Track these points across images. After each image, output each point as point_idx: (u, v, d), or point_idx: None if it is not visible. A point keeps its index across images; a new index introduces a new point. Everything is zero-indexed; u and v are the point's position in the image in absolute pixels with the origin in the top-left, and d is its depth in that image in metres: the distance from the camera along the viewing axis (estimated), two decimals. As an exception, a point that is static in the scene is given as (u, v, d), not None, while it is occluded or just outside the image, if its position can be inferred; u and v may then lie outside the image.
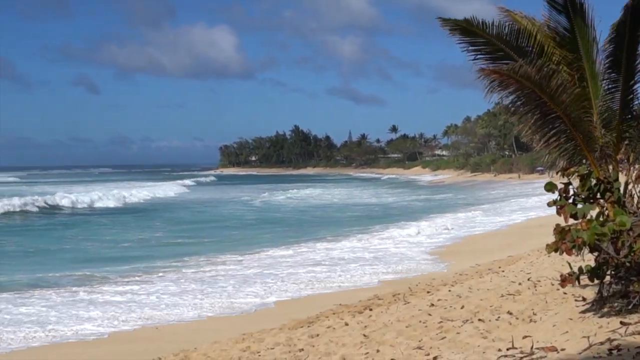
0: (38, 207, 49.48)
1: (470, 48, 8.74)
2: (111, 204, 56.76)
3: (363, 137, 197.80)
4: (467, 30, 8.59)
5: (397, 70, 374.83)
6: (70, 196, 55.84)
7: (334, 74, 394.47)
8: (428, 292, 13.85)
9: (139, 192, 68.42)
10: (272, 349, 10.21)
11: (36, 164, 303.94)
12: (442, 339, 8.40)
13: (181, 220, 41.57)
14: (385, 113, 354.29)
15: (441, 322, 9.43)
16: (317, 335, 10.67)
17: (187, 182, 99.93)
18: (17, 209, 47.29)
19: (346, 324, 11.18)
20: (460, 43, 8.70)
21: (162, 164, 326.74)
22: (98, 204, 55.59)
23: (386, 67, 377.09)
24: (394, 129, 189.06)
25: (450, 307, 10.68)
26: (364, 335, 9.70)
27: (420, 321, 9.92)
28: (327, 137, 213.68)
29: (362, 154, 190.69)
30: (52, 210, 50.11)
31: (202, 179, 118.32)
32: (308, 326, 11.82)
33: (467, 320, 9.11)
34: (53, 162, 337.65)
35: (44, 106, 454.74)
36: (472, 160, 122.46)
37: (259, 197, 65.85)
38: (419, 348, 8.18)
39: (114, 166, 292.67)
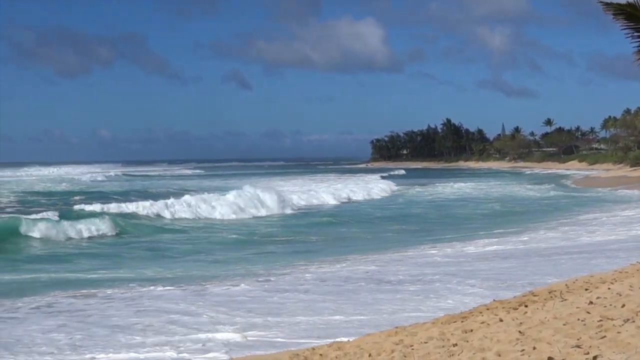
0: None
1: (635, 34, 8.40)
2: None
3: (516, 130, 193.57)
4: (632, 15, 8.24)
5: (548, 61, 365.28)
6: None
7: (483, 65, 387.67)
8: (586, 289, 13.44)
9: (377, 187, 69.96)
10: (426, 343, 10.18)
11: (195, 157, 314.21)
12: (602, 338, 8.14)
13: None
14: (538, 105, 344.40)
15: (600, 320, 9.13)
16: (471, 330, 10.56)
17: (379, 176, 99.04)
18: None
19: (500, 320, 11.00)
20: (624, 29, 8.36)
21: (314, 157, 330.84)
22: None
23: (537, 58, 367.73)
24: (548, 122, 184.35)
25: (610, 305, 10.33)
26: (520, 332, 9.52)
27: (578, 319, 9.65)
28: (480, 131, 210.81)
29: (515, 147, 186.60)
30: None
31: (393, 173, 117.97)
32: (461, 321, 11.72)
33: (628, 320, 8.79)
34: (211, 155, 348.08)
35: (199, 101, 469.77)
36: (631, 154, 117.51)
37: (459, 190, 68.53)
38: (578, 347, 7.97)
39: (284, 159, 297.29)
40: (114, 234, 32.86)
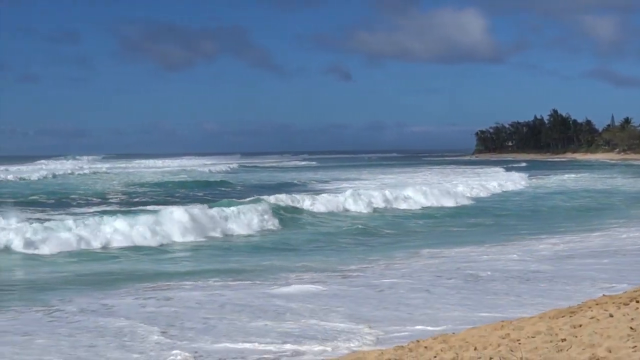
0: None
1: None
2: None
3: (627, 120, 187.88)
4: None
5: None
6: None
7: (589, 55, 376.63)
8: (702, 285, 13.02)
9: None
10: (533, 337, 10.03)
11: (298, 149, 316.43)
12: None
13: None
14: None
15: None
16: (580, 325, 10.36)
17: (501, 168, 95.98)
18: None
19: (611, 316, 10.76)
20: None
21: (417, 149, 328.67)
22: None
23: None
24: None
25: None
26: (631, 328, 9.29)
27: (694, 316, 9.36)
28: (588, 122, 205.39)
29: (625, 138, 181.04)
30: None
31: (516, 165, 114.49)
32: (570, 316, 11.50)
33: None
34: (314, 147, 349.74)
35: (301, 93, 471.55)
36: None
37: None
38: (693, 344, 7.73)
39: (388, 151, 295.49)
40: (277, 227, 32.51)
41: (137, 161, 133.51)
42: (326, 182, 68.60)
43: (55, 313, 14.77)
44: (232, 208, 33.11)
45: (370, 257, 22.79)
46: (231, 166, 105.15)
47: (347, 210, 39.54)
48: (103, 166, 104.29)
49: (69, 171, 79.71)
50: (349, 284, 17.77)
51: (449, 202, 44.40)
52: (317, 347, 12.01)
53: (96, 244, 26.07)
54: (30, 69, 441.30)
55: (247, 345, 12.13)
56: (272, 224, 32.98)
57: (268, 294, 16.55)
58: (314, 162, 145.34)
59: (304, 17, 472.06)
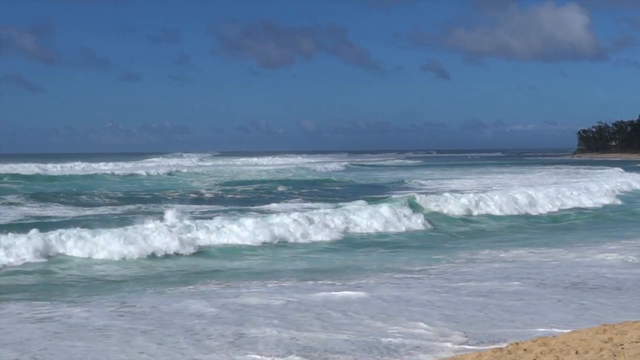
0: None
1: None
2: None
3: None
4: None
5: None
6: None
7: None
8: None
9: None
10: (637, 342, 9.81)
11: (395, 148, 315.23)
12: None
13: None
14: None
15: None
16: (687, 331, 10.07)
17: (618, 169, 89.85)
18: None
19: None
20: None
21: (516, 148, 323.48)
22: None
23: None
24: None
25: None
26: None
27: None
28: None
29: None
30: None
31: (632, 165, 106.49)
32: (676, 321, 11.20)
33: None
34: (411, 146, 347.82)
35: (398, 92, 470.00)
36: None
37: None
38: None
39: (488, 150, 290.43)
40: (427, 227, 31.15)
41: (243, 159, 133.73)
42: (437, 180, 66.93)
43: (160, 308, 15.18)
44: (352, 207, 32.32)
45: (462, 258, 22.23)
46: (342, 164, 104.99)
47: (476, 211, 36.66)
48: (214, 163, 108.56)
49: (184, 169, 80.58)
50: (443, 286, 17.01)
51: (597, 202, 42.25)
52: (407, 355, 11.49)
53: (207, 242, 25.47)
54: (132, 67, 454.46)
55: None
56: (417, 223, 31.43)
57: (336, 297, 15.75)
58: (419, 161, 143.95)
59: (400, 15, 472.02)
